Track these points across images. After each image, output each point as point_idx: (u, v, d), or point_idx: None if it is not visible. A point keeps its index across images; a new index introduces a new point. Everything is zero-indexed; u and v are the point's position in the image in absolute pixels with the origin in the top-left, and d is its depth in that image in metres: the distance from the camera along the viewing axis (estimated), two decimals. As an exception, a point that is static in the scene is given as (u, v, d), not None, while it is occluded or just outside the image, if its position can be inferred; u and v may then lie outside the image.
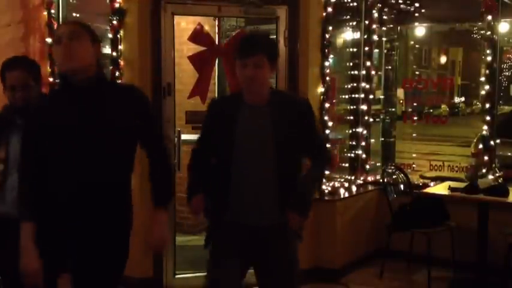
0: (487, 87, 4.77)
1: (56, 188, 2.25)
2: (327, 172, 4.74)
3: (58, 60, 2.25)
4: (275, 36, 4.38)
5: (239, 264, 2.63)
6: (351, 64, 5.30)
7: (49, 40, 4.44)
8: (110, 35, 4.19)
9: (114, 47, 4.18)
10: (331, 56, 4.66)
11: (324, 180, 4.65)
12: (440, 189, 4.50)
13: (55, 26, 4.48)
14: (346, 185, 5.07)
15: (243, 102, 2.56)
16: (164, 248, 2.28)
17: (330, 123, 4.68)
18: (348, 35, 5.40)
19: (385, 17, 5.65)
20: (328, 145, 4.53)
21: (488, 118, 4.78)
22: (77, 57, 2.19)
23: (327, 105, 4.61)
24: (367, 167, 5.40)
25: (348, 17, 5.34)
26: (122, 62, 4.18)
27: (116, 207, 2.35)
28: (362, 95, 5.26)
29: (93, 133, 2.20)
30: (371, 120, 5.45)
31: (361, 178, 5.31)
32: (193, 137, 4.41)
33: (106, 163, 2.24)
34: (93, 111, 2.22)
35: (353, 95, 5.29)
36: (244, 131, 2.53)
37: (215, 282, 2.67)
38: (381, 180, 5.02)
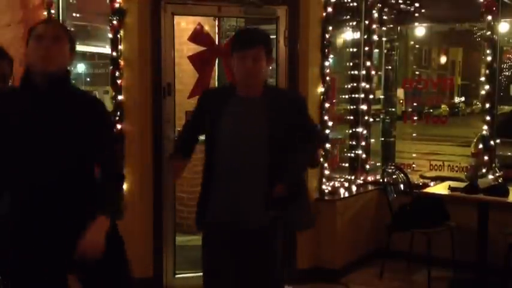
0: (487, 87, 4.77)
1: (6, 189, 2.23)
2: (327, 172, 4.75)
3: (33, 58, 2.20)
4: (275, 37, 4.38)
5: (228, 256, 2.65)
6: (351, 64, 5.30)
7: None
8: (110, 35, 4.19)
9: (114, 47, 4.18)
10: (331, 56, 4.65)
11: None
12: (440, 189, 4.50)
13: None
14: (346, 185, 5.07)
15: (235, 94, 2.57)
16: (95, 255, 2.15)
17: (330, 123, 4.68)
18: (348, 35, 5.40)
19: (385, 17, 5.65)
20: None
21: (488, 118, 4.77)
22: (56, 62, 2.20)
23: (327, 105, 4.61)
24: (367, 167, 5.40)
25: (348, 17, 5.34)
26: (122, 62, 4.18)
27: (74, 210, 2.25)
28: (362, 95, 5.26)
29: (43, 136, 2.18)
30: (371, 120, 5.45)
31: (361, 178, 5.31)
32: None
33: (55, 167, 2.21)
34: (47, 115, 2.20)
35: (353, 95, 5.29)
36: (235, 123, 2.54)
37: (210, 273, 2.71)
38: (381, 180, 5.02)
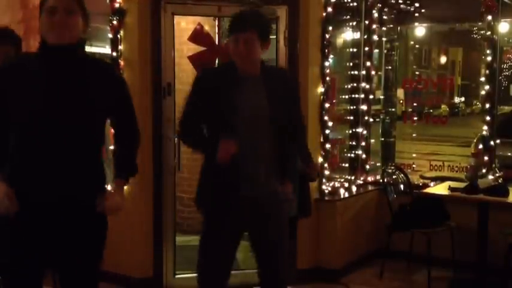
0: (487, 87, 4.76)
1: (20, 157, 2.18)
2: (327, 172, 4.75)
3: (50, 31, 2.19)
4: (275, 37, 4.38)
5: (232, 236, 2.73)
6: (351, 64, 5.30)
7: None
8: (110, 35, 4.19)
9: (114, 47, 4.18)
10: (331, 56, 4.65)
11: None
12: (440, 189, 4.50)
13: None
14: (346, 185, 5.07)
15: (237, 73, 2.60)
16: (117, 211, 2.30)
17: (330, 123, 4.68)
18: (348, 35, 5.40)
19: (385, 17, 5.65)
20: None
21: (488, 118, 4.77)
22: (71, 33, 2.18)
23: (327, 105, 4.61)
24: (367, 167, 5.40)
25: (348, 17, 5.34)
26: (122, 62, 4.18)
27: (87, 180, 2.25)
28: (362, 95, 5.26)
29: (58, 103, 2.15)
30: (371, 120, 5.45)
31: (361, 178, 5.31)
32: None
33: (73, 135, 2.18)
34: (61, 82, 2.18)
35: (353, 95, 5.29)
36: (241, 101, 2.56)
37: (209, 255, 2.81)
38: (381, 180, 5.02)
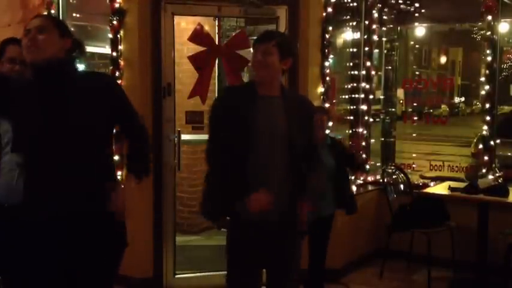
0: (487, 87, 4.77)
1: (28, 175, 2.26)
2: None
3: (24, 50, 2.26)
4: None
5: (257, 267, 2.67)
6: (351, 64, 5.30)
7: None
8: (110, 35, 4.19)
9: (114, 47, 4.18)
10: (331, 56, 4.65)
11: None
12: (440, 189, 4.50)
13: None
14: (346, 185, 5.06)
15: (256, 92, 2.61)
16: (122, 212, 2.35)
17: (330, 124, 4.68)
18: (348, 35, 5.40)
19: (385, 17, 5.65)
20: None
21: (488, 118, 4.77)
22: (43, 50, 2.22)
23: (327, 105, 4.61)
24: (367, 167, 5.39)
25: (348, 17, 5.34)
26: (122, 62, 4.18)
27: (97, 190, 2.29)
28: (362, 95, 5.26)
29: (55, 123, 2.21)
30: (371, 120, 5.45)
31: (361, 178, 5.31)
32: (193, 137, 4.45)
33: (76, 149, 2.22)
34: (54, 102, 2.22)
35: (353, 95, 5.28)
36: (261, 123, 2.57)
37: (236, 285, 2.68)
38: (381, 180, 5.01)
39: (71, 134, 2.20)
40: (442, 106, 6.40)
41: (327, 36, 4.56)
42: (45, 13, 4.41)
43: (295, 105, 2.67)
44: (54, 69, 2.25)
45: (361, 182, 5.29)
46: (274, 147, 2.58)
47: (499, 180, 4.32)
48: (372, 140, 5.54)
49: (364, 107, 5.28)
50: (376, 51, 5.49)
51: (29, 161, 2.26)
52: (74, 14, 4.76)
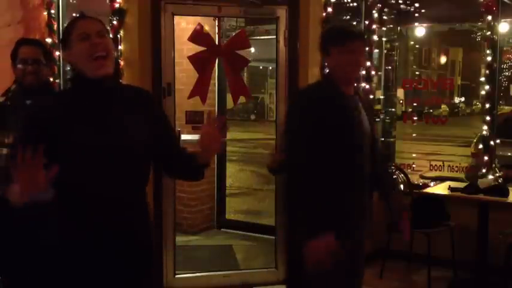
0: (487, 87, 4.76)
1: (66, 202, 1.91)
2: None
3: (93, 64, 1.95)
4: (275, 37, 4.38)
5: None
6: (351, 64, 5.29)
7: (49, 40, 4.44)
8: (110, 35, 4.19)
9: (114, 47, 4.17)
10: (331, 56, 4.64)
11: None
12: (440, 189, 4.50)
13: (55, 26, 4.47)
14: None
15: (341, 92, 2.34)
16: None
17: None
18: (348, 35, 5.39)
19: (385, 17, 5.65)
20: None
21: (488, 118, 4.77)
22: (111, 58, 2.03)
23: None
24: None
25: (348, 17, 5.34)
26: (122, 62, 4.18)
27: (141, 214, 2.06)
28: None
29: (114, 148, 1.93)
30: (371, 120, 5.44)
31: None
32: (194, 137, 4.44)
33: (126, 177, 1.96)
34: (115, 119, 1.96)
35: (353, 95, 5.28)
36: (357, 126, 2.31)
37: None
38: (381, 180, 5.00)
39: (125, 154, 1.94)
40: (442, 106, 6.42)
41: (327, 36, 4.55)
42: (47, 15, 4.41)
43: (365, 103, 2.45)
44: (113, 82, 2.05)
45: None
46: (367, 155, 2.33)
47: (499, 180, 4.32)
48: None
49: (364, 107, 5.28)
50: (376, 51, 5.49)
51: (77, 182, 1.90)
52: (74, 14, 4.75)
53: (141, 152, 1.99)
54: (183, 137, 4.26)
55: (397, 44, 5.89)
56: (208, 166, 2.09)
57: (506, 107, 7.16)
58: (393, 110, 5.88)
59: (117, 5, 4.13)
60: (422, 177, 5.32)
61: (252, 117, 25.67)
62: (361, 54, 2.39)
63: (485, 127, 4.78)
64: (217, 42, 4.47)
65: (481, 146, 4.64)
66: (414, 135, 6.03)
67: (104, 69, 1.95)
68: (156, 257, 4.29)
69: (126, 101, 2.03)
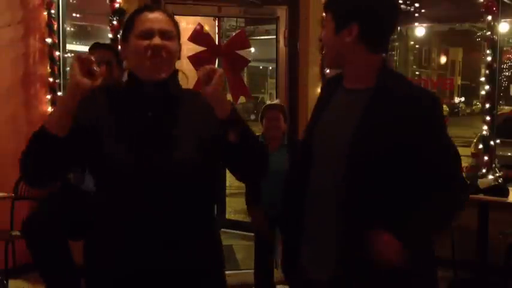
0: (487, 87, 4.76)
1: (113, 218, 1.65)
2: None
3: (141, 63, 1.71)
4: (275, 37, 4.38)
5: None
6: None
7: (49, 40, 4.44)
8: (110, 35, 4.19)
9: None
10: (331, 56, 4.64)
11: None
12: (440, 189, 4.50)
13: (55, 26, 4.47)
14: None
15: (341, 84, 1.94)
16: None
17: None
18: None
19: (385, 17, 5.65)
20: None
21: (488, 118, 4.77)
22: (171, 64, 1.80)
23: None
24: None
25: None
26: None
27: (200, 247, 1.70)
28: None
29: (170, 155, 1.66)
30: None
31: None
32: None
33: (181, 189, 1.66)
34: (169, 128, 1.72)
35: (353, 95, 5.28)
36: (324, 125, 1.91)
37: None
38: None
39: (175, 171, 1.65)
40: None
41: (327, 36, 4.56)
42: (47, 15, 4.40)
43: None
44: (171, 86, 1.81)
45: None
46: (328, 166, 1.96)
47: (499, 180, 4.32)
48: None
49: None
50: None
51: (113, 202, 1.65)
52: (74, 14, 4.76)
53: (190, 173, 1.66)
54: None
55: (397, 44, 5.91)
56: (233, 121, 1.68)
57: (506, 107, 7.15)
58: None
59: (117, 5, 4.13)
60: (422, 177, 5.31)
61: (252, 117, 25.66)
62: None
63: (485, 127, 4.78)
64: (217, 42, 4.48)
65: (481, 146, 4.64)
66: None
67: (158, 73, 1.71)
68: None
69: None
